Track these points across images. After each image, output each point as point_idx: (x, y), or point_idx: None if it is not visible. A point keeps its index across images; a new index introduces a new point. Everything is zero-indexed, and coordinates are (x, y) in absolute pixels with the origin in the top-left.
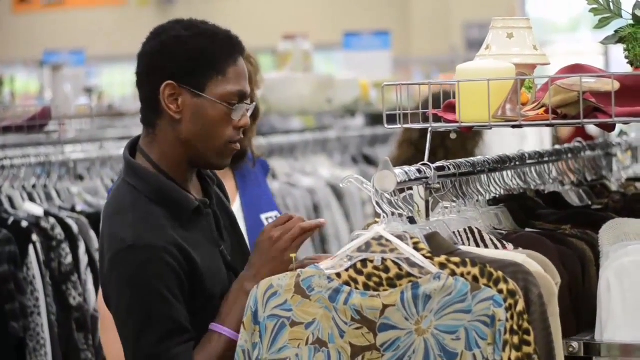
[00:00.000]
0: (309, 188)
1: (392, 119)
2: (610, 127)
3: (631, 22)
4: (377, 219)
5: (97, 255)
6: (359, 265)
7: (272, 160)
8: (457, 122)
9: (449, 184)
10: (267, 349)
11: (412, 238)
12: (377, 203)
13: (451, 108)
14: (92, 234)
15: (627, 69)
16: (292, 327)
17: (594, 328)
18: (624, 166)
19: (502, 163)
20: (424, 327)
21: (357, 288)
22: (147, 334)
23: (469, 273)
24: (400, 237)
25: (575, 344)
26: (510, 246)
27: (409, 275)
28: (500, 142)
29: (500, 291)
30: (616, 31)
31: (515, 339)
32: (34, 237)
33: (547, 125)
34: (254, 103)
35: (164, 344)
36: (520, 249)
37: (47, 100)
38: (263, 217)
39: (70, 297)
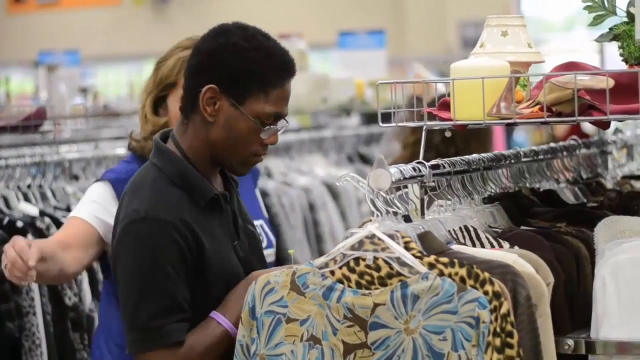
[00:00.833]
0: (305, 187)
1: (387, 118)
2: (605, 125)
3: (625, 19)
4: (372, 218)
5: None
6: (351, 263)
7: (268, 160)
8: (451, 120)
9: (444, 182)
10: (264, 344)
11: (403, 237)
12: (372, 201)
13: (446, 106)
14: None
15: (622, 66)
16: (287, 323)
17: (589, 326)
18: (619, 164)
19: (497, 161)
20: (412, 327)
21: (349, 286)
22: (144, 306)
23: (456, 274)
24: (391, 236)
25: (570, 342)
26: (505, 244)
27: (399, 274)
28: None
29: (486, 292)
30: (611, 29)
31: (497, 342)
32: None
33: (542, 123)
34: (288, 123)
35: (159, 319)
36: (516, 247)
37: (42, 100)
38: None
39: (66, 297)
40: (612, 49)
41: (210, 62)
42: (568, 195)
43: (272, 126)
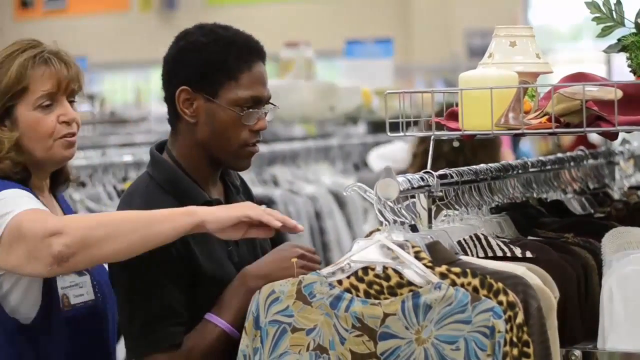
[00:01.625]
0: (311, 195)
1: (394, 127)
2: (612, 136)
3: (634, 30)
4: (380, 227)
5: None
6: (360, 273)
7: (275, 168)
8: (459, 130)
9: (452, 191)
10: (268, 354)
11: (413, 247)
12: (379, 211)
13: (454, 116)
14: None
15: (630, 77)
16: (293, 332)
17: (596, 336)
18: (627, 175)
19: (504, 171)
20: (424, 337)
21: (358, 295)
22: (138, 313)
23: (469, 284)
24: (401, 246)
25: (577, 353)
26: (517, 249)
27: (410, 284)
28: None
29: (500, 303)
30: (619, 40)
31: (515, 351)
32: None
33: (550, 134)
34: (275, 106)
35: (154, 324)
36: (528, 252)
37: None
38: None
39: None
40: (620, 59)
41: (176, 67)
42: (575, 206)
43: (252, 110)
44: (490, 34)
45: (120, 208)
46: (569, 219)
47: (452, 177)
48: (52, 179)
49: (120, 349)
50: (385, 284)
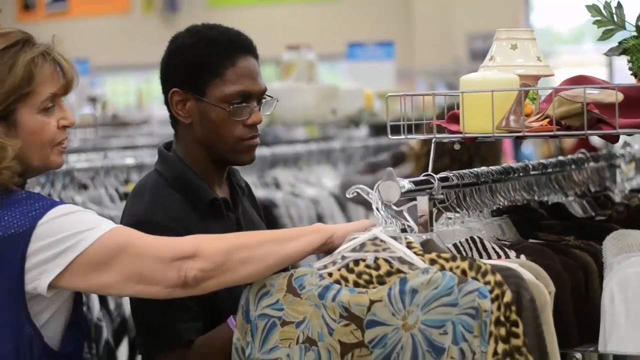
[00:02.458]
0: (313, 198)
1: (396, 130)
2: (614, 139)
3: (635, 33)
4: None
5: None
6: (351, 265)
7: (276, 171)
8: (460, 132)
9: (453, 194)
10: (258, 348)
11: (406, 239)
12: (377, 209)
13: (455, 119)
14: None
15: (631, 80)
16: (282, 326)
17: (597, 339)
18: (628, 177)
19: (506, 174)
20: (411, 323)
21: (347, 286)
22: (148, 309)
23: (457, 267)
24: (394, 238)
25: (578, 355)
26: (512, 253)
27: (399, 271)
28: None
29: (488, 282)
30: (620, 42)
31: (502, 331)
32: None
33: (551, 137)
34: (272, 98)
35: (165, 320)
36: (523, 256)
37: None
38: None
39: None
40: (621, 62)
41: (167, 70)
42: (576, 209)
43: (242, 104)
44: (492, 37)
45: (129, 205)
46: (570, 222)
47: (453, 179)
48: None
49: (122, 352)
50: (375, 273)
